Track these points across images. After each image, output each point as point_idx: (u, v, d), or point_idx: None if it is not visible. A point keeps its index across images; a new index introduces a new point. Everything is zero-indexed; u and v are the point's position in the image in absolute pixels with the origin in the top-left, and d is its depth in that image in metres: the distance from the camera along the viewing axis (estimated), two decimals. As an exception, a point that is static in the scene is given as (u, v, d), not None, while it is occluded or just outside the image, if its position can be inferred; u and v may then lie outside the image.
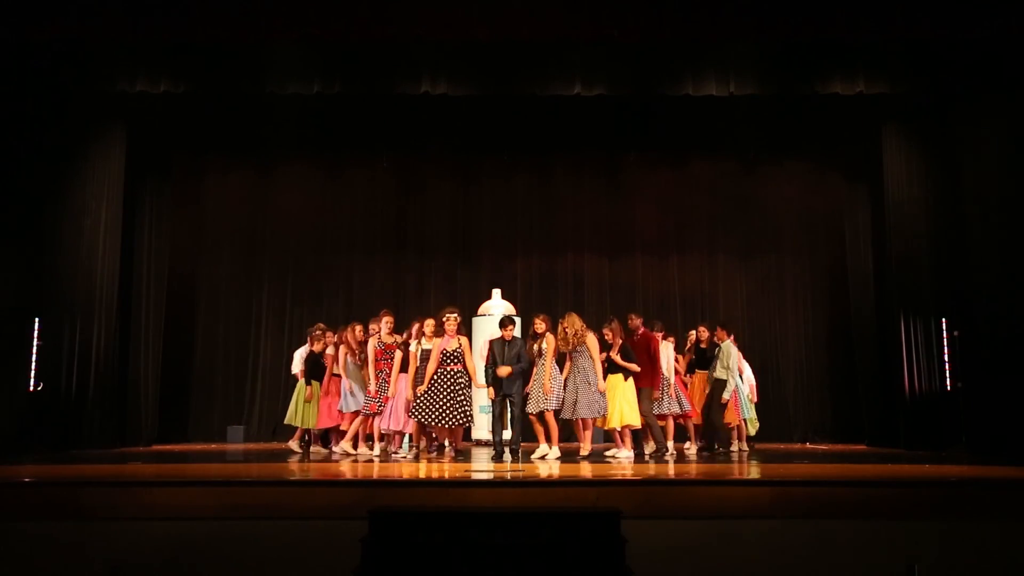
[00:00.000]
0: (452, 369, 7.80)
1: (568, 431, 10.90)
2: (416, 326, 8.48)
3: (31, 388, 9.09)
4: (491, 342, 8.13)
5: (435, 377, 7.80)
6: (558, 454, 7.85)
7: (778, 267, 12.30)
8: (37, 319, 9.19)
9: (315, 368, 9.03)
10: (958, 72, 9.04)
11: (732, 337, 9.11)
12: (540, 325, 8.07)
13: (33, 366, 9.12)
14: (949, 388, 9.35)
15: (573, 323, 8.06)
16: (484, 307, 10.77)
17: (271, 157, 12.22)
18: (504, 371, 7.77)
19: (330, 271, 12.31)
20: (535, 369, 8.03)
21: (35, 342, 9.16)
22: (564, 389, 8.03)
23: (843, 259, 11.52)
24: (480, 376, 8.10)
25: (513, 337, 8.00)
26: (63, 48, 8.79)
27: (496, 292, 10.91)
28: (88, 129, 9.73)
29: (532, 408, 7.94)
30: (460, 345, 7.86)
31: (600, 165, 12.40)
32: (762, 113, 10.19)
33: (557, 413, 8.01)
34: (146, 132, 10.39)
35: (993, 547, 5.13)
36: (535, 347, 8.01)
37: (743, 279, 12.30)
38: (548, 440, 7.94)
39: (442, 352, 7.83)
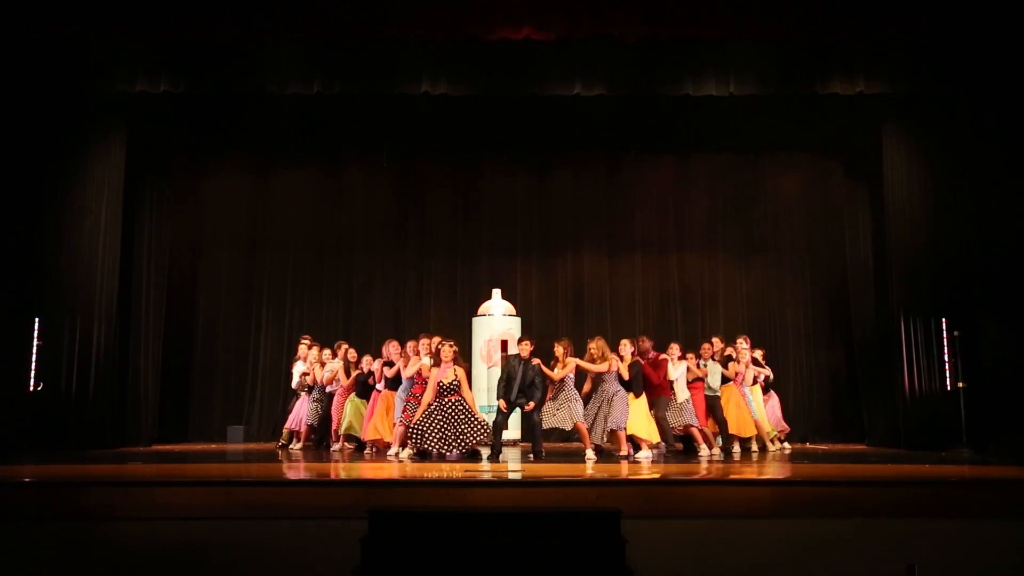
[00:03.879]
0: (449, 400, 7.81)
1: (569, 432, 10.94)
2: (411, 344, 8.79)
3: (31, 388, 9.09)
4: (508, 357, 8.26)
5: (431, 408, 7.81)
6: (593, 457, 7.89)
7: (778, 267, 12.29)
8: (37, 319, 9.18)
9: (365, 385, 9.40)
10: (958, 72, 9.04)
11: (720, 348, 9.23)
12: (559, 349, 8.20)
13: (33, 366, 9.12)
14: (949, 388, 9.34)
15: (599, 346, 8.22)
16: (484, 307, 10.78)
17: (271, 157, 12.24)
18: (530, 407, 7.96)
19: (330, 271, 12.30)
20: (553, 392, 8.16)
21: (35, 342, 9.15)
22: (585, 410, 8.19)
23: (843, 259, 11.53)
24: (491, 401, 8.17)
25: (529, 358, 8.07)
26: (63, 48, 8.78)
27: (496, 292, 10.91)
28: (88, 129, 9.73)
29: (564, 425, 8.09)
30: (456, 377, 7.86)
31: (600, 165, 12.39)
32: (762, 113, 10.18)
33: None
34: (146, 132, 10.38)
35: (993, 547, 5.13)
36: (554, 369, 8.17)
37: (743, 279, 12.28)
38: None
39: (438, 384, 7.84)
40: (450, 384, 7.82)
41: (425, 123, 10.56)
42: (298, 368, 10.19)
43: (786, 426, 10.16)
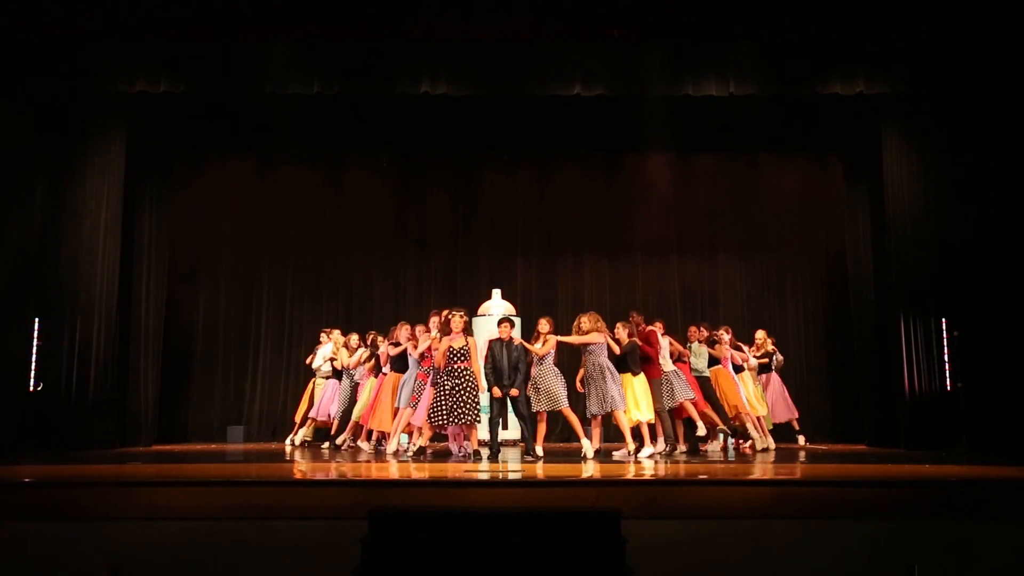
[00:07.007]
0: (457, 367, 7.83)
1: (568, 431, 10.94)
2: (420, 327, 8.80)
3: (31, 388, 9.09)
4: (490, 342, 8.19)
5: (442, 380, 7.83)
6: (589, 449, 7.88)
7: (778, 267, 12.31)
8: (37, 319, 9.18)
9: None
10: (957, 72, 9.04)
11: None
12: (544, 325, 8.14)
13: (33, 366, 9.12)
14: (949, 388, 9.34)
15: (590, 319, 8.17)
16: (484, 307, 10.78)
17: (271, 157, 12.24)
18: (514, 393, 7.91)
19: (330, 271, 12.32)
20: (537, 370, 8.08)
21: (35, 342, 9.15)
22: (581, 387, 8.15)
23: (843, 259, 11.52)
24: (483, 380, 8.13)
25: (511, 339, 8.03)
26: (63, 48, 8.78)
27: (496, 292, 10.92)
28: (88, 129, 9.72)
29: (543, 407, 7.98)
30: (466, 343, 7.90)
31: (600, 165, 12.40)
32: (762, 113, 10.17)
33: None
34: (146, 132, 10.38)
35: (993, 547, 5.13)
36: (535, 345, 8.07)
37: (743, 279, 12.31)
38: (586, 437, 8.02)
39: (448, 350, 7.87)
40: (460, 349, 7.85)
41: (425, 123, 10.55)
42: (323, 351, 10.12)
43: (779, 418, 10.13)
